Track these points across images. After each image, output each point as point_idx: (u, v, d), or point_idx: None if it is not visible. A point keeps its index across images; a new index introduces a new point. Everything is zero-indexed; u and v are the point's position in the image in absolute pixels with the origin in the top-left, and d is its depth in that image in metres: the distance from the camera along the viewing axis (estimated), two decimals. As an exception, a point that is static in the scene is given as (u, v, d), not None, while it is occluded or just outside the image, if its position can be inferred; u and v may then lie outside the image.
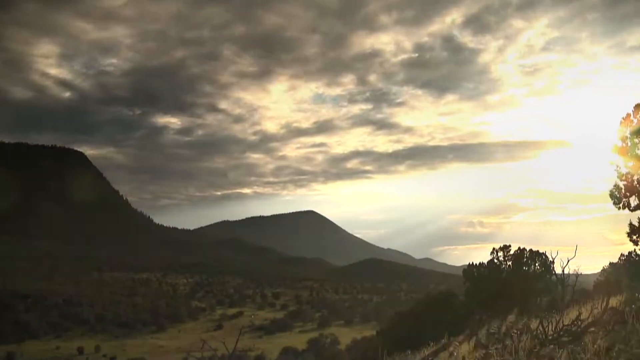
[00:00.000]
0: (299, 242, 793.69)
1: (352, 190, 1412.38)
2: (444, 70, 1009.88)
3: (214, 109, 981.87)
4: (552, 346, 10.87)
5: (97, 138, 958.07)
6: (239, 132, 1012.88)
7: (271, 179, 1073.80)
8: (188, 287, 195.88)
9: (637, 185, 19.52)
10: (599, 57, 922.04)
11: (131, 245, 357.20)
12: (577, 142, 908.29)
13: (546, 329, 12.11)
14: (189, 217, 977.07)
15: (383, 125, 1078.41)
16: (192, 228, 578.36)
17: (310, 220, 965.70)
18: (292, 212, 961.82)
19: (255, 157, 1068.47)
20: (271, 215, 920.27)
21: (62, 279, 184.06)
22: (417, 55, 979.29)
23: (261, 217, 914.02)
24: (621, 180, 19.96)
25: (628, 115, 19.45)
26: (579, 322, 12.39)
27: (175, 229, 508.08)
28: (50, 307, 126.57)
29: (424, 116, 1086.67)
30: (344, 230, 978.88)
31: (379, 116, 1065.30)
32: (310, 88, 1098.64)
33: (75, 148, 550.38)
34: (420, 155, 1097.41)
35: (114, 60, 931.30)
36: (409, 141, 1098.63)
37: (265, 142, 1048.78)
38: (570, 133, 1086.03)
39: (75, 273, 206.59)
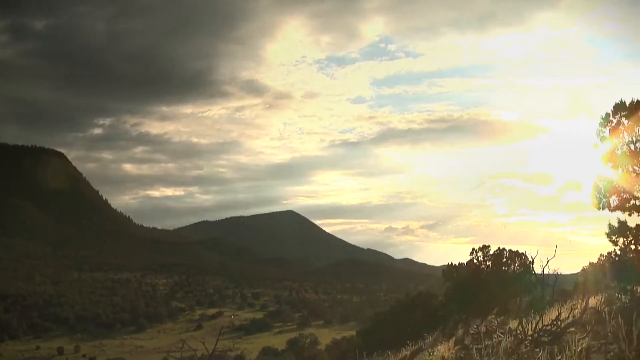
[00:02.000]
0: (278, 242, 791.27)
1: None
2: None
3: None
4: (532, 346, 10.88)
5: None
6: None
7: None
8: (167, 287, 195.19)
9: (617, 186, 19.53)
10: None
11: (110, 245, 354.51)
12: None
13: (526, 329, 12.13)
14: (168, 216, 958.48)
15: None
16: (171, 228, 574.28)
17: (290, 221, 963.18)
18: (272, 212, 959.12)
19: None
20: (251, 216, 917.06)
21: (41, 279, 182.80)
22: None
23: (241, 217, 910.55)
24: (601, 181, 19.95)
25: (607, 115, 19.31)
26: (559, 322, 12.42)
27: (154, 229, 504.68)
28: (30, 308, 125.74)
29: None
30: (324, 231, 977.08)
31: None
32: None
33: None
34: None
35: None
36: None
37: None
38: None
39: (55, 273, 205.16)
